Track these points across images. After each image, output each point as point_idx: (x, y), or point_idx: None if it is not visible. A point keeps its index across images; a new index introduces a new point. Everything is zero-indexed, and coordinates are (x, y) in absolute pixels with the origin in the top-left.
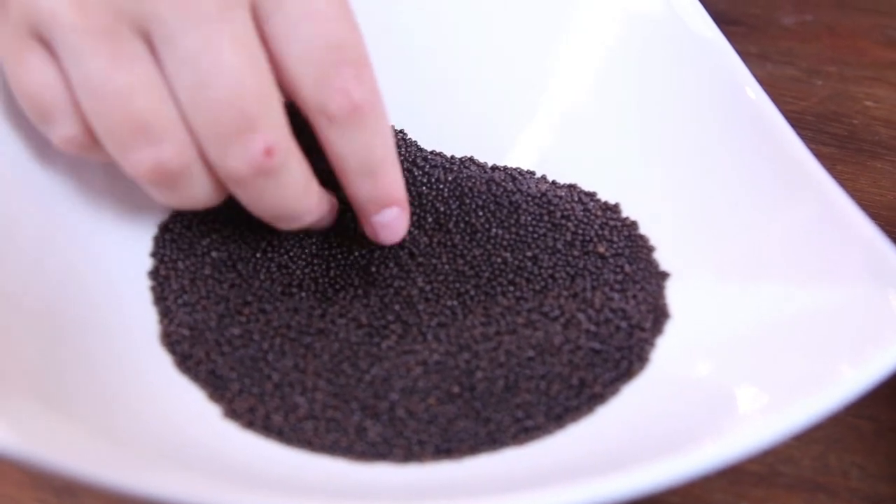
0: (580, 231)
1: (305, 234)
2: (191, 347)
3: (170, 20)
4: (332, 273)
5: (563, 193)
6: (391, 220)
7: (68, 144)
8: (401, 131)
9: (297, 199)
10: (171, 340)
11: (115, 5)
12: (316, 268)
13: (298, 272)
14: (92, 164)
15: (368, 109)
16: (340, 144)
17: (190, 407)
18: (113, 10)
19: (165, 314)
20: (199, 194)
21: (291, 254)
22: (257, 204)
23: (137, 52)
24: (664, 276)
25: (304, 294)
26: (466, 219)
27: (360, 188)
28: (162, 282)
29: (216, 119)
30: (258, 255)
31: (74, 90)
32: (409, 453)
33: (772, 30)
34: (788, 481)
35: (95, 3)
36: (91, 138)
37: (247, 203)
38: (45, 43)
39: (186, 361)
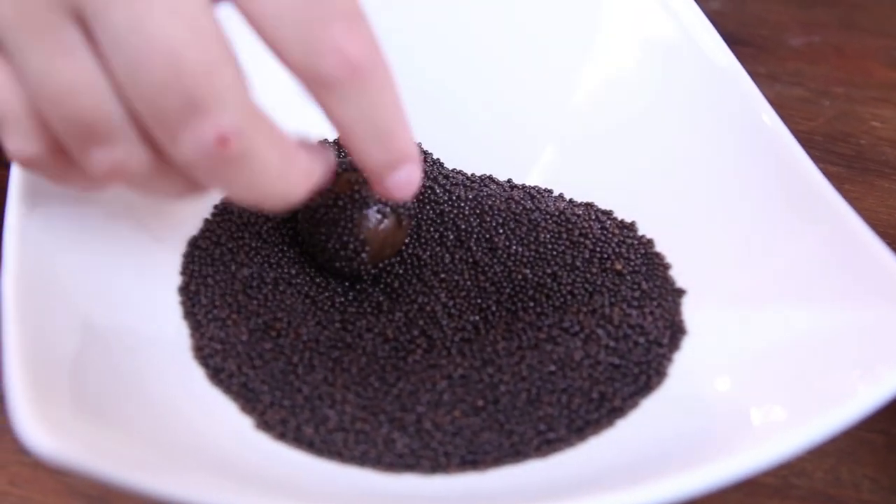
0: (598, 249)
1: (328, 258)
2: (223, 361)
3: None
4: (358, 288)
5: (580, 212)
6: (405, 179)
7: (22, 158)
8: (424, 151)
9: (275, 181)
10: (203, 354)
11: None
12: (343, 284)
13: (326, 288)
14: None
15: (370, 67)
16: (343, 112)
17: (222, 418)
18: None
19: (196, 328)
20: (173, 189)
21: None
22: (231, 192)
23: (74, 42)
24: (680, 293)
25: (331, 309)
26: (487, 236)
27: (370, 155)
28: (192, 297)
29: (156, 104)
30: (286, 271)
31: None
32: (436, 464)
33: (780, 51)
34: (802, 493)
35: None
36: (48, 149)
37: (221, 189)
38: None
39: (219, 374)
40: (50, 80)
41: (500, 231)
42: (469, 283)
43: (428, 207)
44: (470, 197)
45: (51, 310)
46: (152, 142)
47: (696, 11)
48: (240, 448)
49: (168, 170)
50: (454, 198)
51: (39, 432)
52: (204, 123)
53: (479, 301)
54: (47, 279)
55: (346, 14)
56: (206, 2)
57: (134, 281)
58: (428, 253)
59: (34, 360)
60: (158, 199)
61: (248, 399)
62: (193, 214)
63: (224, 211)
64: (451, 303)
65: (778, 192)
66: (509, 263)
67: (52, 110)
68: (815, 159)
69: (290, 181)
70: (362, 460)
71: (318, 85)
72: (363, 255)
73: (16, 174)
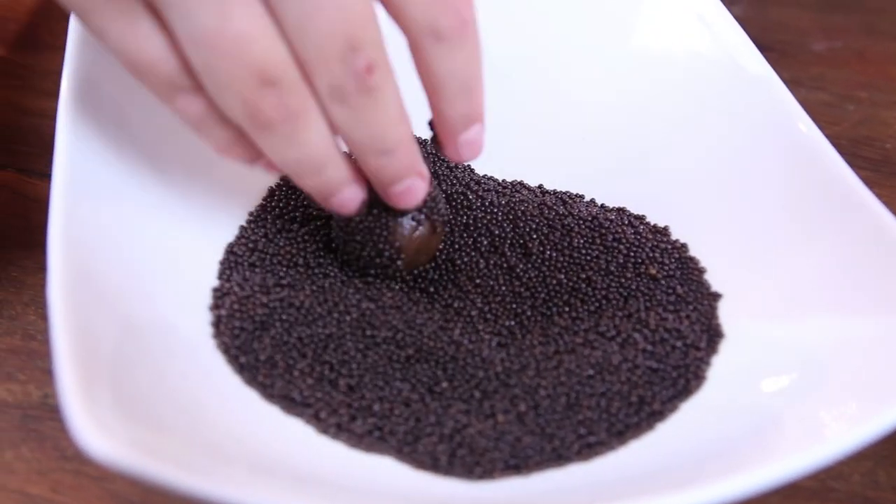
0: (632, 253)
1: (364, 266)
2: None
3: None
4: (395, 298)
5: (612, 217)
6: (476, 136)
7: (194, 116)
8: None
9: (392, 124)
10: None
11: None
12: (376, 291)
13: (360, 297)
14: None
15: (473, 27)
16: (445, 64)
17: (265, 419)
18: None
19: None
20: (315, 140)
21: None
22: (356, 126)
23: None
24: (716, 296)
25: (369, 318)
26: (520, 241)
27: (455, 107)
28: (226, 300)
29: (323, 46)
30: (321, 278)
31: (184, 50)
32: (482, 469)
33: (802, 56)
34: (840, 496)
35: None
36: (212, 107)
37: (346, 126)
38: (149, 5)
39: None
40: (225, 31)
41: (534, 236)
42: (504, 288)
43: (461, 213)
44: (503, 203)
45: (96, 315)
46: (309, 83)
47: (730, 20)
48: (287, 449)
49: (319, 115)
50: (487, 204)
51: (94, 436)
52: (359, 55)
53: (514, 306)
54: (91, 285)
55: None
56: None
57: (174, 285)
58: (462, 259)
59: (84, 366)
60: (296, 158)
61: (290, 410)
62: (229, 220)
63: (259, 218)
64: (486, 308)
65: (815, 197)
66: (543, 268)
67: (225, 60)
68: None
69: (401, 129)
70: (406, 463)
71: (432, 37)
72: (398, 262)
73: (58, 182)
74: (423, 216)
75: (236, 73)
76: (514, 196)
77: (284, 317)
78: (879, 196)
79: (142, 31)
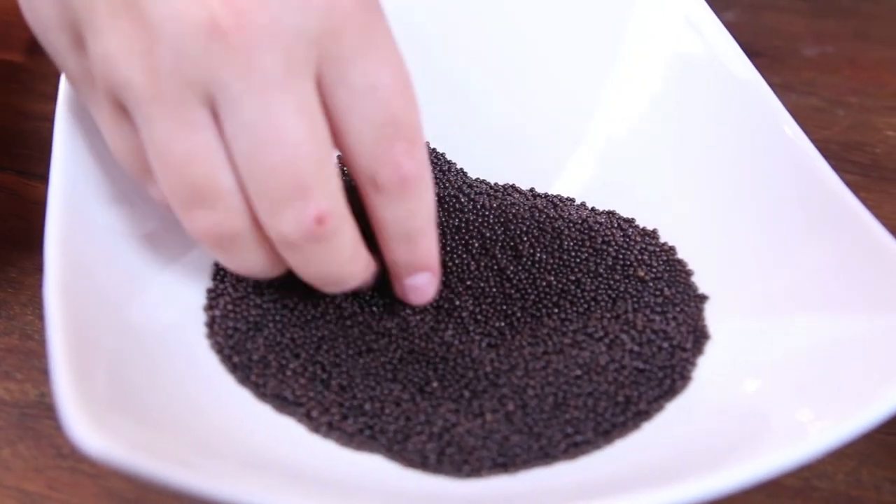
0: (621, 256)
1: None
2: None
3: (233, 86)
4: (386, 298)
5: (602, 220)
6: (421, 285)
7: (161, 205)
8: (448, 161)
9: (344, 265)
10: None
11: (185, 73)
12: (369, 293)
13: (354, 298)
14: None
15: (415, 182)
16: (384, 212)
17: (259, 418)
18: (182, 77)
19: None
20: (253, 261)
21: None
22: (305, 268)
23: (200, 120)
24: (703, 298)
25: (360, 318)
26: (511, 244)
27: (396, 253)
28: (219, 301)
29: (270, 184)
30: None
31: (146, 154)
32: (470, 467)
33: (794, 61)
34: (824, 495)
35: (167, 72)
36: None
37: (295, 266)
38: (125, 109)
39: (249, 377)
40: (171, 148)
41: (525, 239)
42: (494, 289)
43: (453, 216)
44: (494, 206)
45: (92, 315)
46: (252, 214)
47: (719, 25)
48: (279, 447)
49: (257, 243)
50: (478, 206)
51: (89, 433)
52: (308, 204)
53: (504, 307)
54: (87, 285)
55: (409, 138)
56: (318, 105)
57: (169, 285)
58: (454, 261)
59: (80, 364)
60: (238, 269)
61: (283, 409)
62: None
63: None
64: (477, 309)
65: (800, 201)
66: (534, 271)
67: (167, 173)
68: (831, 168)
69: (353, 267)
70: (396, 461)
71: (372, 187)
72: None
73: (55, 184)
74: None
75: (175, 189)
76: (505, 199)
77: (278, 318)
78: (868, 200)
79: (120, 127)
